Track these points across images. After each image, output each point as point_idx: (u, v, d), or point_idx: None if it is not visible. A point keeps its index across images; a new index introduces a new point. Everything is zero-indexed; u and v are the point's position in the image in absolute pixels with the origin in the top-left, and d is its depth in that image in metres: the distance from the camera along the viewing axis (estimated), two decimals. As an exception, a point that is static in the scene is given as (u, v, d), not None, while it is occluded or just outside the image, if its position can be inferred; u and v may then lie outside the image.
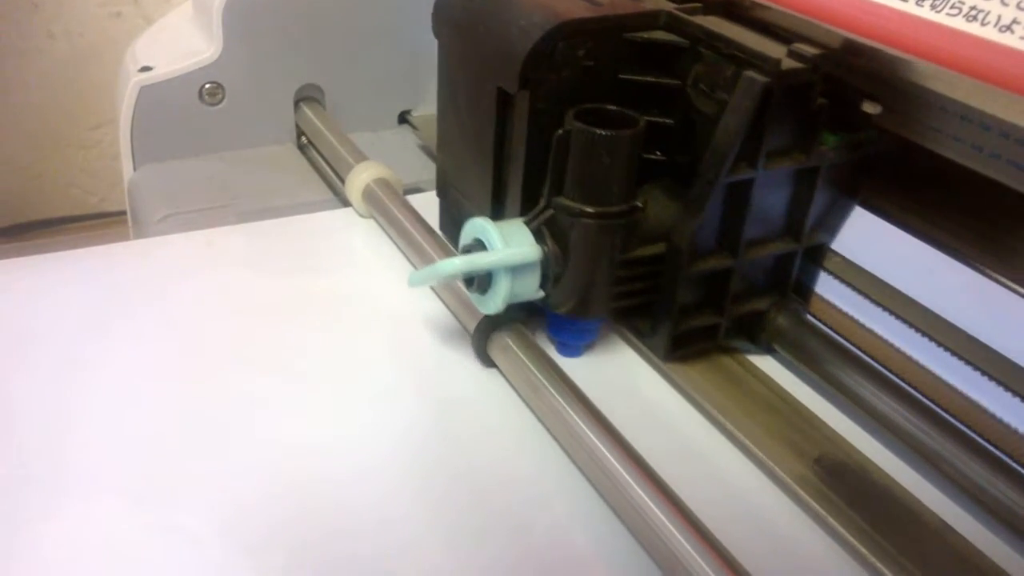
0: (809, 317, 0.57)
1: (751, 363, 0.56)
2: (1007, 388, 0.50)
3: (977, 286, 0.51)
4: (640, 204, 0.51)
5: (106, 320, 0.57)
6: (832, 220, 0.55)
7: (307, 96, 0.84)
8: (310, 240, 0.68)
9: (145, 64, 0.79)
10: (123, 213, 0.86)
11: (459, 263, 0.49)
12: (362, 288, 0.63)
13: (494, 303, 0.51)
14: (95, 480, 0.46)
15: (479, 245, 0.51)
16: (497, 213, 0.56)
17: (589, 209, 0.49)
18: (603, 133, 0.48)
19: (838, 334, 0.56)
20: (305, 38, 0.82)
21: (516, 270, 0.50)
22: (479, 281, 0.51)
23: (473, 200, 0.59)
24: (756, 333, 0.56)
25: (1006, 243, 0.51)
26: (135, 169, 0.80)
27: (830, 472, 0.47)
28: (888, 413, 0.49)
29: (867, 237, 0.56)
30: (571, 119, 0.49)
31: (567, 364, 0.54)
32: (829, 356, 0.53)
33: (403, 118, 0.89)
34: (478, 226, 0.51)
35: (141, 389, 0.52)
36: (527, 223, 0.52)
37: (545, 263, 0.51)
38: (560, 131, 0.49)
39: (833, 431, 0.50)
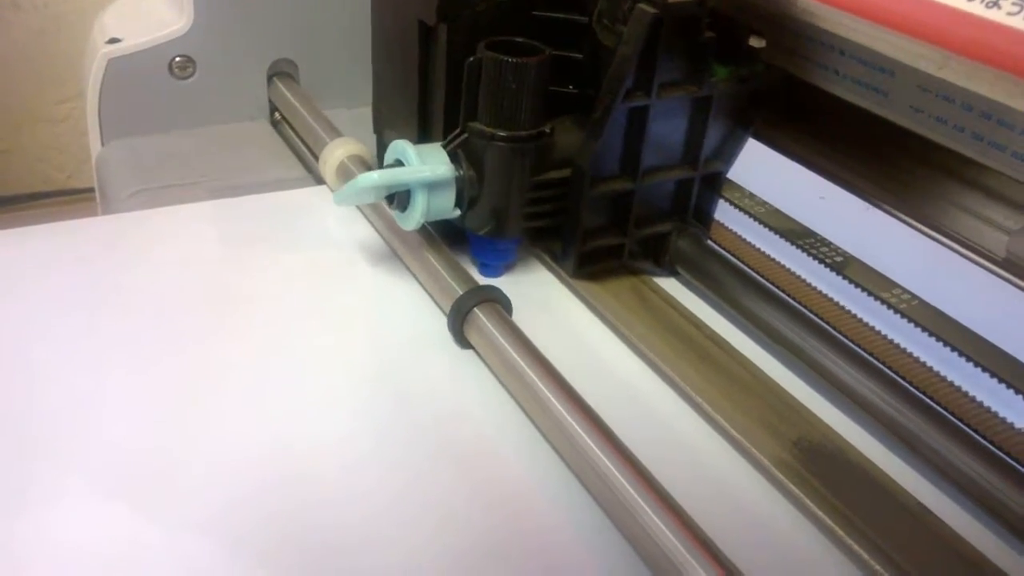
0: (709, 241, 0.67)
1: (656, 283, 0.65)
2: (890, 307, 0.61)
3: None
4: (548, 129, 0.61)
5: (72, 298, 0.60)
6: (727, 150, 0.65)
7: (281, 71, 0.89)
8: (283, 218, 0.72)
9: (113, 36, 0.84)
10: (93, 190, 0.90)
11: (376, 176, 0.58)
12: (336, 267, 0.66)
13: (413, 218, 0.60)
14: (65, 468, 0.48)
15: (399, 165, 0.60)
16: (423, 142, 0.64)
17: (501, 133, 0.59)
18: (511, 60, 0.58)
19: (735, 256, 0.66)
20: (279, 11, 0.86)
21: (432, 187, 0.59)
22: (399, 198, 0.60)
23: (402, 132, 0.69)
24: (659, 255, 0.66)
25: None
26: (103, 144, 0.85)
27: (808, 454, 0.52)
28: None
29: (759, 166, 0.67)
30: (482, 48, 0.58)
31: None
32: (727, 278, 0.63)
33: (379, 94, 0.95)
34: (398, 147, 0.60)
35: (109, 368, 0.55)
36: (444, 146, 0.61)
37: (461, 183, 0.60)
38: (471, 59, 0.59)
39: (812, 413, 0.55)
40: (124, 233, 0.69)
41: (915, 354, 0.58)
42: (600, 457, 0.47)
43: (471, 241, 0.67)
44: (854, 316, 0.62)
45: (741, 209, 0.70)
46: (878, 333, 0.61)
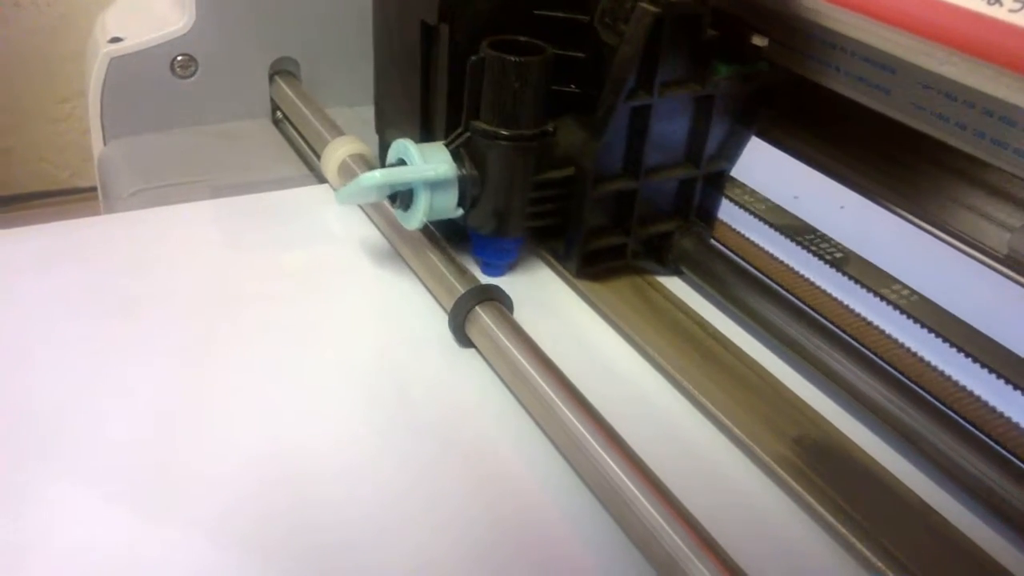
0: (712, 241, 0.68)
1: (659, 283, 0.66)
2: (892, 304, 0.61)
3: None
4: (551, 129, 0.62)
5: (74, 297, 0.60)
6: (730, 148, 0.66)
7: (283, 69, 0.91)
8: (285, 216, 0.72)
9: (115, 35, 0.85)
10: (95, 189, 0.91)
11: (379, 175, 0.59)
12: (337, 266, 0.67)
13: (415, 218, 0.61)
14: (66, 468, 0.48)
15: (402, 164, 0.61)
16: (425, 141, 0.64)
17: (504, 132, 0.60)
18: (514, 59, 0.59)
19: (738, 255, 0.66)
20: (281, 9, 0.87)
21: (435, 186, 0.60)
22: (402, 197, 0.61)
23: (404, 131, 0.69)
24: (663, 255, 0.67)
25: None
26: (105, 143, 0.87)
27: (809, 451, 0.52)
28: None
29: (762, 165, 0.68)
30: (485, 47, 0.59)
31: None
32: (731, 277, 0.63)
33: (380, 93, 0.96)
34: (400, 146, 0.61)
35: (111, 368, 0.55)
36: (446, 145, 0.62)
37: (463, 183, 0.61)
38: (474, 58, 0.60)
39: (813, 410, 0.56)
40: (126, 232, 0.70)
41: (917, 351, 0.59)
42: (602, 455, 0.47)
43: (473, 240, 0.68)
44: (856, 314, 0.62)
45: (741, 206, 0.71)
46: (880, 330, 0.61)
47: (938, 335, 0.59)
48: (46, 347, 0.57)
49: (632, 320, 0.63)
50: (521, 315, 0.59)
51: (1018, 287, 0.54)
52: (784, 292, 0.64)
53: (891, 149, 0.62)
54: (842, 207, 0.67)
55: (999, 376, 0.56)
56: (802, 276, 0.66)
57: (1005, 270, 0.55)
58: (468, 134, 0.62)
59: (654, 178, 0.65)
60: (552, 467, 0.51)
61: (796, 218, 0.69)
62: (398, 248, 0.69)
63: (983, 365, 0.56)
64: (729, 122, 0.66)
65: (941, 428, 0.52)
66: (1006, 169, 0.51)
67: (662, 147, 0.64)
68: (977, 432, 0.52)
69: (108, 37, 0.85)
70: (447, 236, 0.66)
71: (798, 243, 0.67)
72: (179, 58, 0.87)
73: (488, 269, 0.67)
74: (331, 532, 0.46)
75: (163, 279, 0.64)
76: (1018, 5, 0.47)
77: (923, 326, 0.60)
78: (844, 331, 0.61)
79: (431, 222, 0.64)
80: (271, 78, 0.91)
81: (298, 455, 0.50)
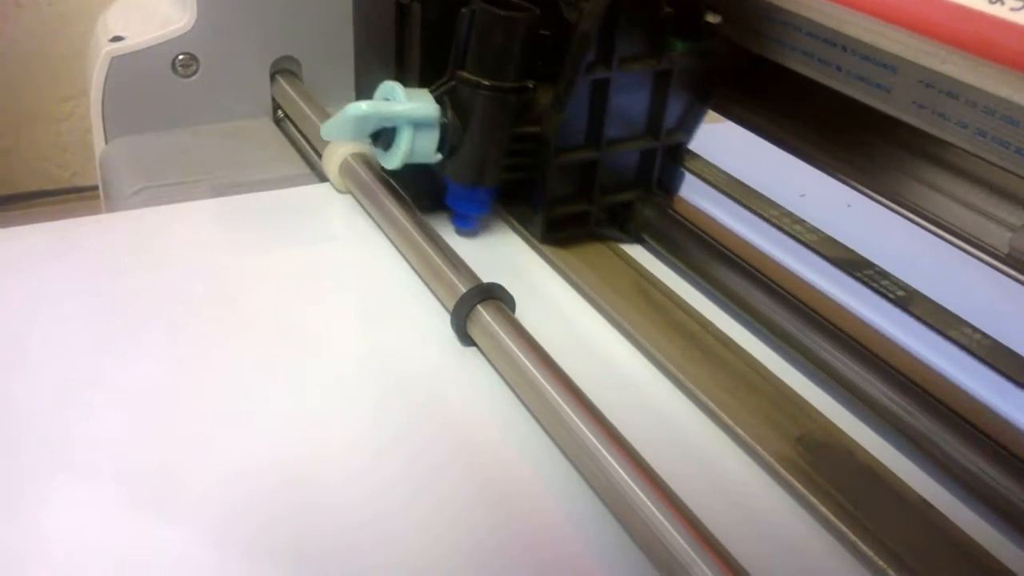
0: (671, 211, 0.72)
1: (621, 249, 0.71)
2: (850, 274, 0.63)
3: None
4: (531, 85, 0.66)
5: (76, 296, 0.60)
6: (688, 122, 0.71)
7: (284, 68, 0.92)
8: (286, 215, 0.73)
9: (117, 34, 0.85)
10: (97, 188, 0.92)
11: (364, 106, 0.62)
12: (339, 264, 0.67)
13: (396, 157, 0.64)
14: (67, 469, 0.48)
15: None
16: None
17: (486, 83, 0.64)
18: (503, 14, 0.62)
19: (695, 226, 0.70)
20: (282, 8, 0.88)
21: (417, 127, 0.64)
22: (384, 137, 0.65)
23: None
24: (625, 223, 0.71)
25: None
26: (107, 142, 0.87)
27: (811, 451, 0.52)
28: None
29: (719, 138, 0.72)
30: (477, 1, 0.62)
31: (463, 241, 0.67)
32: (690, 245, 0.67)
33: (381, 92, 0.99)
34: (387, 87, 0.65)
35: (112, 368, 0.55)
36: (431, 91, 0.65)
37: (444, 129, 0.65)
38: (465, 10, 0.63)
39: (816, 411, 0.56)
40: (128, 231, 0.70)
41: (918, 350, 0.60)
42: (606, 455, 0.47)
43: (448, 190, 0.71)
44: (810, 284, 0.66)
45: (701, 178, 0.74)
46: (873, 326, 0.63)
47: (940, 333, 0.59)
48: (47, 346, 0.57)
49: (596, 285, 0.66)
50: (489, 275, 0.61)
51: (1019, 286, 0.55)
52: (743, 262, 0.65)
53: (889, 145, 0.64)
54: (849, 205, 0.69)
55: (1000, 374, 0.56)
56: (762, 250, 0.71)
57: (1006, 269, 0.56)
58: (453, 83, 0.66)
59: (615, 149, 0.69)
60: (555, 467, 0.51)
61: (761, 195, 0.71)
62: (399, 247, 0.69)
63: (985, 363, 0.56)
64: (687, 97, 0.71)
65: (943, 427, 0.52)
66: (1008, 168, 0.52)
67: (622, 119, 0.69)
68: (979, 431, 0.52)
69: (109, 36, 0.86)
70: (417, 195, 0.70)
71: (755, 212, 0.70)
72: (180, 57, 0.87)
73: (460, 221, 0.71)
74: (332, 533, 0.46)
75: (165, 278, 0.64)
76: (1019, 4, 0.48)
77: (917, 319, 0.61)
78: (797, 298, 0.62)
79: (405, 182, 0.68)
80: (272, 77, 0.93)
81: (298, 455, 0.51)
